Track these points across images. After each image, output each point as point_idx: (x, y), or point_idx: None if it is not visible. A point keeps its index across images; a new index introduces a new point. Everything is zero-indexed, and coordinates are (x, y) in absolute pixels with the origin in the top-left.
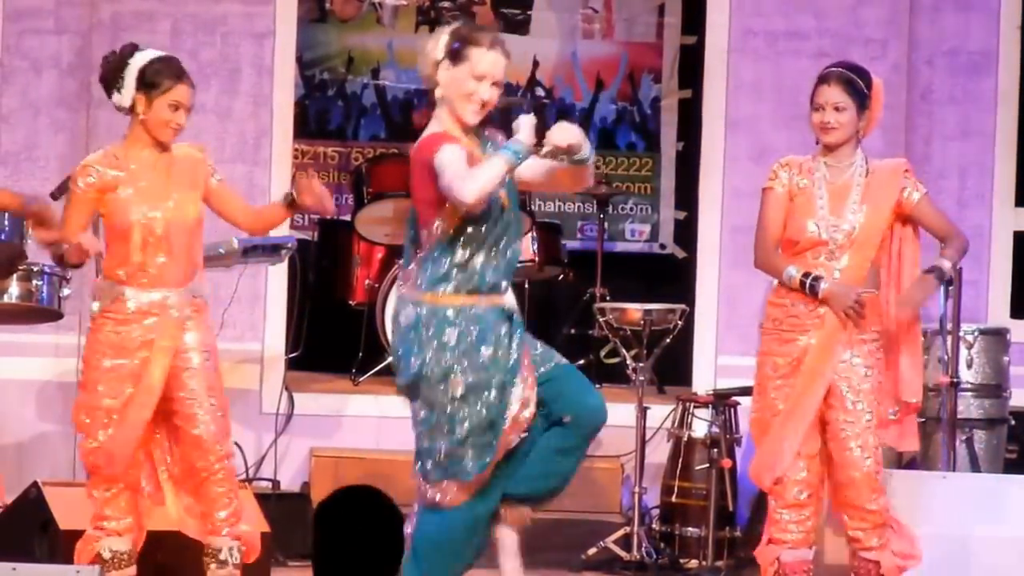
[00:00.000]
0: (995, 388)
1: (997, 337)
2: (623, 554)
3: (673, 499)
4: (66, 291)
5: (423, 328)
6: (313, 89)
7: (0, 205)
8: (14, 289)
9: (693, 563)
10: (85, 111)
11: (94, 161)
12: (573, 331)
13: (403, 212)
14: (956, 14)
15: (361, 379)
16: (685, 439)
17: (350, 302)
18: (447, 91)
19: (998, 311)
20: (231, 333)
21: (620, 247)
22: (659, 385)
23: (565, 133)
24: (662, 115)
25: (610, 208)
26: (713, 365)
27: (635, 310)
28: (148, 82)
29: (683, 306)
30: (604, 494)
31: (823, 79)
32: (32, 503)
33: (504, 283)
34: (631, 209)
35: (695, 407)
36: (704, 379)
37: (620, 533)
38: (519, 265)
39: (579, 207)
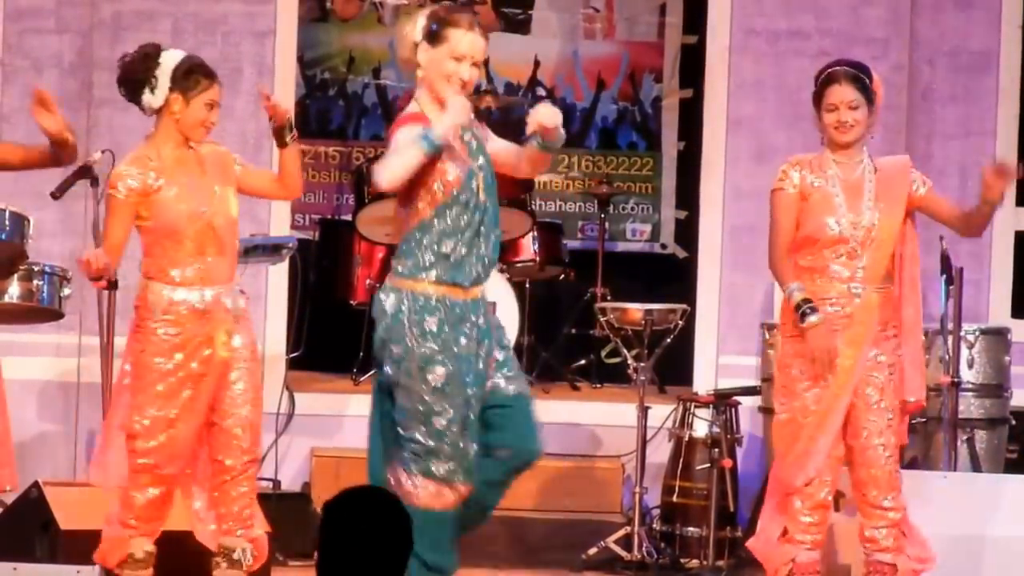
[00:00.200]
0: (996, 388)
1: (998, 337)
2: (624, 554)
3: (674, 499)
4: (67, 291)
5: (401, 315)
6: (314, 89)
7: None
8: (15, 289)
9: (694, 563)
10: (86, 110)
11: (130, 165)
12: (574, 331)
13: None
14: (957, 13)
15: (362, 379)
16: (686, 439)
17: (351, 302)
18: (428, 72)
19: (999, 311)
20: None
21: (621, 247)
22: (660, 385)
23: (551, 113)
24: (663, 115)
25: (611, 208)
26: (714, 365)
27: (636, 310)
28: (185, 81)
29: (684, 306)
30: (605, 494)
31: (832, 79)
32: (32, 503)
33: (483, 275)
34: (632, 209)
35: (696, 407)
36: (705, 379)
37: (621, 533)
38: (520, 265)
39: (580, 207)
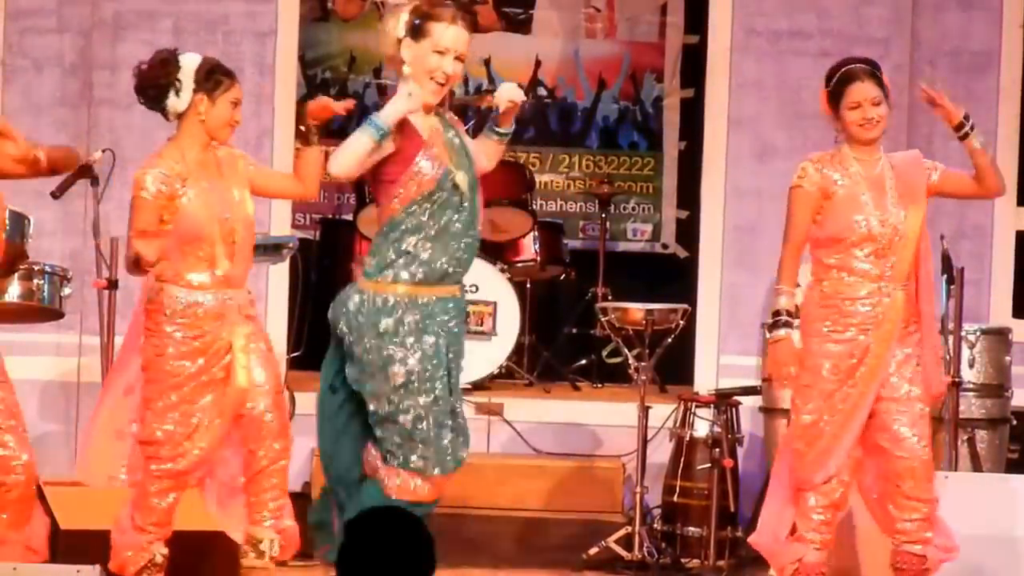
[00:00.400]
0: (997, 388)
1: (999, 337)
2: (624, 554)
3: (675, 499)
4: (67, 290)
5: (361, 316)
6: (315, 88)
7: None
8: (15, 289)
9: (695, 563)
10: (87, 110)
11: (159, 166)
12: (575, 331)
13: None
14: (958, 13)
15: None
16: (687, 439)
17: None
18: (413, 68)
19: (1000, 311)
20: None
21: (622, 246)
22: (661, 385)
23: (514, 92)
24: (664, 114)
25: (612, 207)
26: (715, 365)
27: (637, 310)
28: (208, 82)
29: (685, 306)
30: (606, 494)
31: (852, 76)
32: None
33: (453, 274)
34: (633, 208)
35: (697, 407)
36: (706, 379)
37: (622, 533)
38: (521, 265)
39: (581, 207)
